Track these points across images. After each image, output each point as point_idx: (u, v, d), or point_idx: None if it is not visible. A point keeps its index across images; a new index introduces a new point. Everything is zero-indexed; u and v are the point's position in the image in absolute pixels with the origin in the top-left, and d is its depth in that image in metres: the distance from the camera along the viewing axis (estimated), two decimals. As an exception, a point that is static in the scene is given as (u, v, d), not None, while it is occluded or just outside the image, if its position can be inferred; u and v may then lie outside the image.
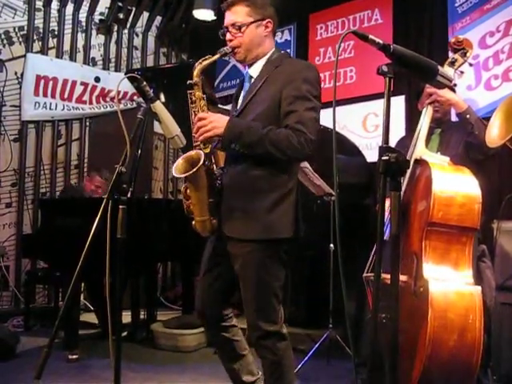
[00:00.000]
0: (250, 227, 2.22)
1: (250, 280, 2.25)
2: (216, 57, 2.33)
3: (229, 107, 3.22)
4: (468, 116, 2.93)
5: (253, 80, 2.39)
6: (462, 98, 4.13)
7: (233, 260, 2.29)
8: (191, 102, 2.32)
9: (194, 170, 2.17)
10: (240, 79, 2.55)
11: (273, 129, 2.18)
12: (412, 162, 2.74)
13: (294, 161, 2.32)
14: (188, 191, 2.30)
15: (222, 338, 2.47)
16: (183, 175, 2.23)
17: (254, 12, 2.34)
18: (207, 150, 2.28)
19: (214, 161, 2.33)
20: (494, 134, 2.56)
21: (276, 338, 2.28)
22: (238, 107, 2.40)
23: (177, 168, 2.26)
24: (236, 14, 2.34)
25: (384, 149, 1.54)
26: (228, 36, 2.36)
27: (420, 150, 2.78)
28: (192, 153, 2.27)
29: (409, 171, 2.71)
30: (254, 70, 2.40)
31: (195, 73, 2.30)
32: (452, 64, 2.94)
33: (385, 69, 1.62)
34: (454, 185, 2.52)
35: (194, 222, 2.34)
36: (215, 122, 2.21)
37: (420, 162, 2.71)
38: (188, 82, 2.30)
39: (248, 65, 2.43)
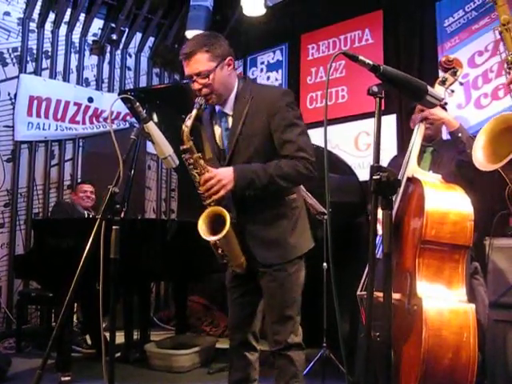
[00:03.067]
0: (279, 253, 2.37)
1: (280, 295, 2.36)
2: (195, 112, 2.30)
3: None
4: (460, 135, 2.95)
5: (230, 118, 2.41)
6: (453, 116, 4.19)
7: (263, 282, 2.40)
8: (189, 164, 2.33)
9: (224, 232, 2.21)
10: (206, 117, 2.52)
11: (277, 165, 2.27)
12: (404, 180, 2.75)
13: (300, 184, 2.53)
14: (218, 243, 2.35)
15: (241, 354, 2.52)
16: (216, 238, 2.25)
17: (214, 55, 2.31)
18: (223, 204, 2.32)
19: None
20: (480, 157, 2.59)
21: (298, 348, 2.39)
22: (225, 146, 2.43)
23: (202, 230, 2.27)
24: (198, 63, 2.30)
25: (375, 168, 1.56)
26: (196, 86, 2.33)
27: (412, 168, 2.80)
28: (213, 209, 2.29)
29: (401, 189, 2.73)
30: (228, 107, 2.42)
31: (185, 138, 2.29)
32: (443, 83, 2.98)
33: (375, 89, 1.64)
34: (447, 203, 2.54)
35: (230, 266, 2.44)
36: (223, 180, 2.24)
37: (412, 180, 2.72)
38: (181, 148, 2.31)
39: (220, 104, 2.44)
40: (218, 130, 2.48)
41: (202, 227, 2.27)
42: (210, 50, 2.31)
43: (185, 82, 2.46)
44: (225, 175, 2.25)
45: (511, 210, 3.10)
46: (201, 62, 2.30)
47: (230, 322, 2.56)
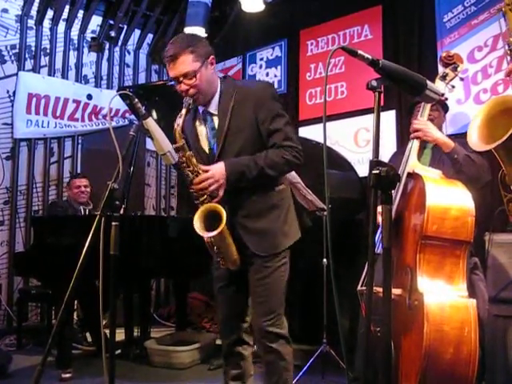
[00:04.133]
0: (269, 244, 2.42)
1: (266, 287, 2.40)
2: (184, 111, 2.33)
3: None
4: (456, 156, 2.92)
5: (215, 117, 2.44)
6: (452, 112, 4.19)
7: (253, 272, 2.43)
8: (181, 163, 2.35)
9: (220, 229, 2.24)
10: (191, 117, 2.54)
11: (266, 154, 2.34)
12: (405, 176, 2.75)
13: (289, 172, 2.57)
14: (213, 240, 2.37)
15: (235, 352, 2.55)
16: (211, 234, 2.27)
17: (198, 55, 2.34)
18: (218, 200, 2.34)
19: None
20: (474, 138, 2.58)
21: (284, 341, 2.43)
22: (213, 145, 2.46)
23: (197, 226, 2.30)
24: (183, 65, 2.32)
25: (374, 163, 1.56)
26: (182, 87, 2.36)
27: (413, 163, 2.79)
28: (208, 205, 2.32)
29: (401, 185, 2.73)
30: (212, 107, 2.46)
31: (177, 137, 2.31)
32: (443, 78, 2.96)
33: (374, 84, 1.64)
34: (448, 198, 2.53)
35: (222, 262, 2.45)
36: (219, 180, 2.29)
37: (413, 176, 2.72)
38: (173, 146, 2.34)
39: (204, 104, 2.47)
40: (202, 130, 2.51)
41: (197, 224, 2.29)
42: (194, 50, 2.34)
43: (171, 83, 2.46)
44: (219, 173, 2.30)
45: (503, 194, 3.10)
46: (186, 62, 2.32)
47: (221, 319, 2.60)
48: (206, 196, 2.31)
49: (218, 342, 4.64)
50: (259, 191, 2.41)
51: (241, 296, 2.53)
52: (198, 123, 2.52)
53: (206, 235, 2.29)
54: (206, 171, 2.31)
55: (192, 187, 2.32)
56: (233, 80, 2.58)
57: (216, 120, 2.44)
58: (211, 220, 2.27)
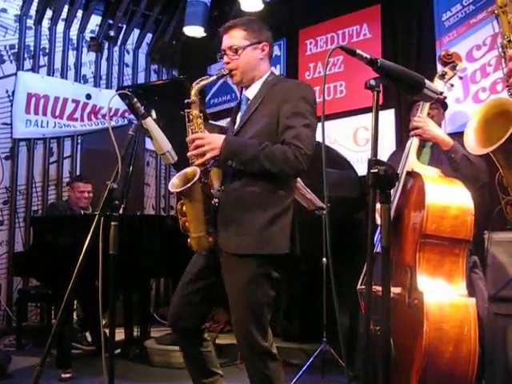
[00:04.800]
0: (246, 242, 2.23)
1: (240, 295, 2.24)
2: (213, 78, 2.40)
3: (220, 123, 3.24)
4: (453, 155, 2.91)
5: (249, 102, 2.42)
6: (451, 111, 4.19)
7: (225, 274, 2.29)
8: (188, 120, 2.34)
9: (190, 184, 2.18)
10: (237, 102, 2.61)
11: (269, 145, 2.21)
12: (404, 175, 2.75)
13: (290, 176, 2.35)
14: (184, 208, 2.30)
15: (194, 352, 2.48)
16: (179, 189, 2.22)
17: (250, 36, 2.39)
18: (203, 168, 2.28)
19: (210, 178, 2.32)
20: (471, 141, 2.57)
21: (267, 356, 2.25)
22: (236, 127, 2.43)
23: (173, 184, 2.27)
24: (233, 38, 2.39)
25: (373, 161, 1.56)
26: (225, 59, 2.41)
27: (412, 162, 2.80)
28: (187, 170, 2.28)
29: (401, 184, 2.73)
30: (251, 92, 2.44)
31: (193, 92, 2.33)
32: (442, 77, 2.96)
33: (372, 83, 1.63)
34: (447, 197, 2.54)
35: (189, 240, 2.33)
36: (212, 144, 2.23)
37: (412, 175, 2.72)
38: (186, 100, 2.33)
39: (245, 87, 2.48)
40: (238, 115, 2.51)
41: (174, 181, 2.27)
42: (247, 29, 2.40)
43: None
44: (214, 140, 2.24)
45: (500, 197, 3.10)
46: (235, 37, 2.39)
47: (175, 308, 2.44)
48: (198, 160, 2.26)
49: (218, 341, 4.66)
50: (256, 185, 2.27)
51: (203, 296, 2.38)
52: (238, 111, 2.54)
53: (174, 190, 2.24)
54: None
55: (189, 142, 2.30)
56: (282, 78, 2.54)
57: (248, 105, 2.43)
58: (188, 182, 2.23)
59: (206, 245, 2.30)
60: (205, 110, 4.08)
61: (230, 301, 2.28)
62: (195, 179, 2.19)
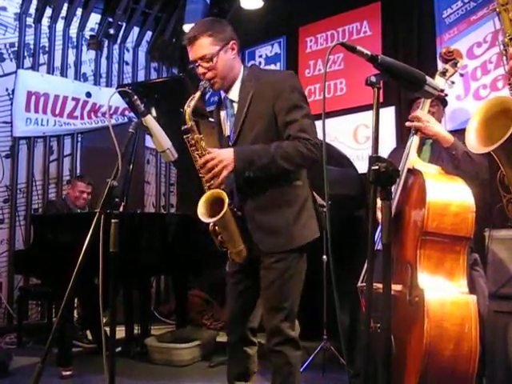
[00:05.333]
0: (279, 240, 2.33)
1: (278, 286, 2.33)
2: (198, 94, 2.34)
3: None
4: (454, 152, 2.91)
5: (236, 104, 2.42)
6: (452, 108, 4.19)
7: (264, 273, 2.37)
8: (190, 145, 2.33)
9: (222, 213, 2.19)
10: (216, 105, 2.58)
11: (278, 145, 2.25)
12: (405, 172, 2.74)
13: (304, 168, 2.40)
14: (217, 229, 2.34)
15: (240, 350, 2.50)
16: (213, 220, 2.23)
17: (217, 39, 2.35)
18: (223, 187, 2.29)
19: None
20: (472, 140, 2.57)
21: (293, 345, 2.36)
22: (230, 132, 2.43)
23: (201, 214, 2.25)
24: (202, 47, 2.34)
25: (374, 158, 1.56)
26: (200, 70, 2.37)
27: (413, 159, 2.79)
28: (209, 194, 2.28)
29: (402, 181, 2.72)
30: (233, 94, 2.43)
31: (187, 117, 2.31)
32: (443, 74, 2.95)
33: (373, 79, 1.63)
34: (448, 194, 2.53)
35: (229, 255, 2.40)
36: (224, 161, 2.23)
37: (413, 172, 2.71)
38: (183, 128, 2.32)
39: (225, 90, 2.46)
40: (224, 117, 2.50)
41: (201, 210, 2.25)
42: (213, 34, 2.34)
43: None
44: (225, 156, 2.24)
45: (502, 195, 3.09)
46: (204, 45, 2.34)
47: (230, 315, 2.55)
48: (214, 181, 2.26)
49: (219, 339, 4.66)
50: (273, 185, 2.32)
51: (250, 294, 2.46)
52: (221, 109, 2.52)
53: (208, 221, 2.24)
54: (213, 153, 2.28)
55: (201, 171, 2.29)
56: (258, 68, 2.55)
57: (235, 107, 2.42)
58: (215, 206, 2.23)
59: (246, 254, 2.36)
60: (205, 108, 4.09)
61: (266, 295, 2.37)
62: (225, 207, 2.19)
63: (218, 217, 2.19)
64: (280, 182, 2.33)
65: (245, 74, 2.43)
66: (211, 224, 2.32)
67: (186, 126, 2.31)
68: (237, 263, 2.44)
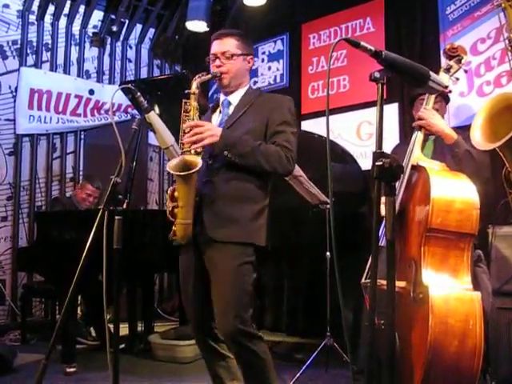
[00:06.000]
0: (235, 231, 2.34)
1: (229, 281, 2.31)
2: (208, 76, 2.50)
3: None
4: (457, 150, 2.90)
5: (232, 107, 2.55)
6: (455, 104, 4.18)
7: (211, 263, 2.37)
8: (185, 110, 2.42)
9: (193, 171, 2.23)
10: (215, 102, 2.71)
11: (263, 143, 2.37)
12: (409, 168, 2.74)
13: (277, 175, 2.49)
14: (176, 193, 2.33)
15: (211, 348, 2.51)
16: (183, 173, 2.24)
17: (242, 46, 2.56)
18: (200, 157, 2.34)
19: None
20: (478, 137, 2.57)
21: (254, 338, 2.33)
22: (225, 125, 2.48)
23: (172, 166, 2.30)
24: (227, 45, 2.53)
25: (378, 154, 1.55)
26: (217, 62, 2.53)
27: (417, 155, 2.79)
28: (187, 157, 2.31)
29: (405, 178, 2.72)
30: (234, 98, 2.57)
31: (194, 84, 2.44)
32: (447, 71, 2.95)
33: (377, 75, 1.63)
34: (453, 190, 2.53)
35: (174, 227, 2.35)
36: (211, 131, 2.33)
37: (417, 168, 2.71)
38: (186, 91, 2.42)
39: (227, 92, 2.58)
40: (214, 118, 2.61)
41: (172, 164, 2.29)
42: (240, 39, 2.56)
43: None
44: (213, 128, 2.36)
45: (508, 192, 3.09)
46: (231, 44, 2.53)
47: (189, 314, 2.55)
48: (196, 145, 2.31)
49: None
50: (242, 178, 2.38)
51: (203, 290, 2.42)
52: (214, 113, 2.64)
53: (175, 173, 2.26)
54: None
55: (185, 132, 2.35)
56: (262, 92, 2.69)
57: (232, 109, 2.55)
58: (186, 170, 2.26)
59: (190, 234, 2.33)
60: (207, 103, 4.09)
61: (215, 289, 2.35)
62: (198, 167, 2.23)
63: (188, 172, 2.22)
64: (250, 178, 2.40)
65: (250, 89, 2.61)
66: (171, 188, 2.36)
67: (189, 90, 2.42)
68: (176, 241, 2.39)
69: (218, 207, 2.36)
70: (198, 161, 2.26)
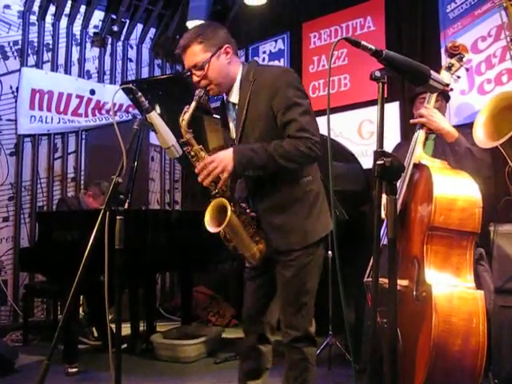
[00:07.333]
0: (294, 238, 2.32)
1: (295, 284, 2.33)
2: (193, 105, 2.29)
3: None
4: (457, 148, 2.91)
5: (236, 107, 2.39)
6: (456, 103, 4.17)
7: (279, 270, 2.37)
8: (191, 156, 2.33)
9: (225, 224, 2.20)
10: (220, 106, 2.56)
11: (277, 143, 2.22)
12: (411, 167, 2.74)
13: (306, 165, 2.35)
14: (227, 235, 2.34)
15: (254, 348, 2.50)
16: (218, 229, 2.24)
17: (208, 46, 2.30)
18: (228, 193, 2.30)
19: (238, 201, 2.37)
20: (480, 135, 2.57)
21: (309, 341, 2.37)
22: (235, 134, 2.42)
23: (208, 222, 2.26)
24: (193, 56, 2.31)
25: (379, 153, 1.55)
26: (194, 78, 2.35)
27: (419, 154, 2.79)
28: (214, 202, 2.29)
29: (407, 176, 2.72)
30: (233, 97, 2.40)
31: (183, 131, 2.30)
32: (449, 69, 2.95)
33: (377, 74, 1.63)
34: (455, 189, 2.53)
35: (246, 257, 2.40)
36: (223, 161, 2.21)
37: (419, 167, 2.71)
38: (180, 141, 2.33)
39: (225, 94, 2.44)
40: (230, 120, 2.48)
41: (207, 220, 2.26)
42: (203, 40, 2.30)
43: (186, 72, 2.44)
44: (224, 157, 2.22)
45: (510, 189, 3.09)
46: (195, 53, 2.30)
47: (246, 313, 2.54)
48: (216, 189, 2.26)
49: (224, 335, 4.67)
50: (281, 184, 2.32)
51: (265, 290, 2.46)
52: (227, 112, 2.50)
53: (214, 230, 2.24)
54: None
55: (198, 174, 2.28)
56: (256, 64, 2.47)
57: (236, 110, 2.39)
58: (222, 214, 2.23)
59: (260, 254, 2.36)
60: (209, 104, 4.07)
61: (282, 291, 2.38)
62: (229, 214, 2.19)
63: (223, 225, 2.20)
64: (288, 180, 2.32)
65: (243, 74, 2.38)
66: (221, 232, 2.33)
67: (183, 139, 2.31)
68: (252, 267, 2.46)
69: (270, 220, 2.35)
70: (226, 204, 2.23)
